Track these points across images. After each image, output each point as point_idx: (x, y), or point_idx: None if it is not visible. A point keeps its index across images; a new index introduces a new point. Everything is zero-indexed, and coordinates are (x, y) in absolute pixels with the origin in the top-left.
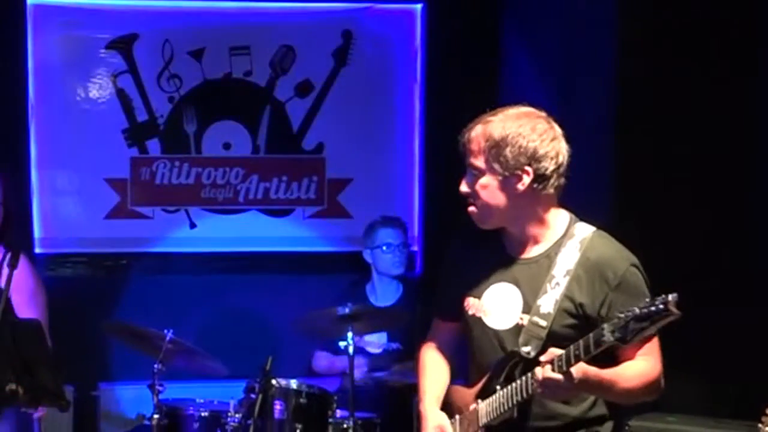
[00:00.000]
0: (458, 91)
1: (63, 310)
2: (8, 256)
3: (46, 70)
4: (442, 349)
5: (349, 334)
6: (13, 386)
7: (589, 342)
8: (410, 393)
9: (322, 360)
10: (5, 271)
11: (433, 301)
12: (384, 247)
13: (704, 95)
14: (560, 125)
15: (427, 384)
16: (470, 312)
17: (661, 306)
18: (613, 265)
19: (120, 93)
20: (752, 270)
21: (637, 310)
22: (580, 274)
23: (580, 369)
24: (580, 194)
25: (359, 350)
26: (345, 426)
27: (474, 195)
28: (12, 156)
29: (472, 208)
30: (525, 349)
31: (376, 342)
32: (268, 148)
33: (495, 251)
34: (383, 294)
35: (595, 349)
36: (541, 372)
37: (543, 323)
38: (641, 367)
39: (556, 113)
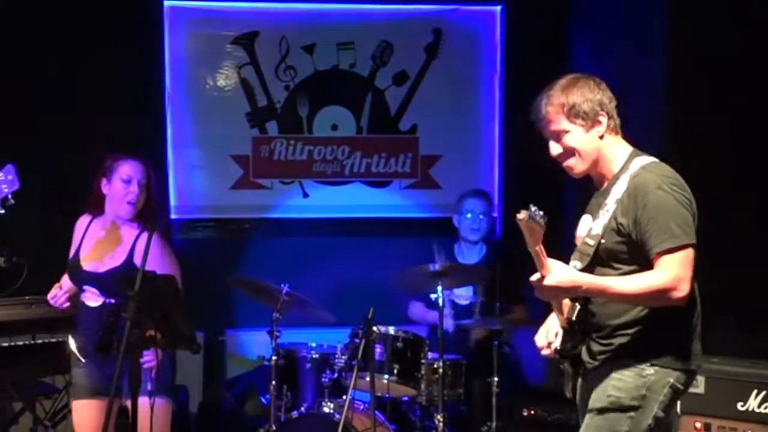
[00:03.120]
0: (532, 81)
1: (194, 268)
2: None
3: (180, 62)
4: None
5: (439, 288)
6: (152, 332)
7: None
8: (491, 338)
9: (416, 309)
10: (141, 244)
11: None
12: (468, 215)
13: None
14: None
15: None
16: None
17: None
18: (644, 189)
19: (243, 82)
20: None
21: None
22: (623, 199)
23: (563, 274)
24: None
25: (448, 302)
26: (435, 366)
27: (565, 151)
28: (152, 136)
29: (566, 163)
30: (572, 264)
31: (463, 295)
32: (370, 129)
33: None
34: (468, 254)
35: None
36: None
37: (592, 243)
38: (649, 274)
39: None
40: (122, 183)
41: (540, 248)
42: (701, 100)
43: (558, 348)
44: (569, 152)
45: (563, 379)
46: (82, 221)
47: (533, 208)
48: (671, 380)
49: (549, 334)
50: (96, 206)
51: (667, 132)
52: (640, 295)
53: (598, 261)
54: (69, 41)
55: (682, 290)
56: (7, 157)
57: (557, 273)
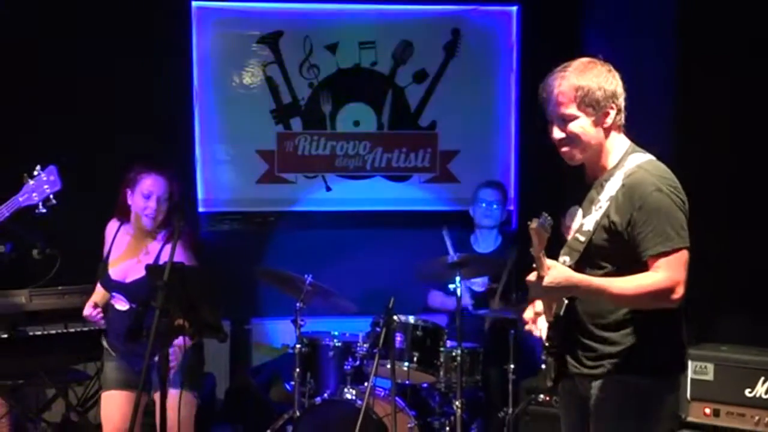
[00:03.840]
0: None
1: (221, 259)
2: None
3: (207, 61)
4: None
5: (457, 279)
6: (180, 321)
7: None
8: (508, 326)
9: (436, 298)
10: (164, 256)
11: None
12: (483, 204)
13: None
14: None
15: None
16: None
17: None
18: (640, 189)
19: (268, 80)
20: None
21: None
22: (618, 196)
23: (560, 274)
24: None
25: (466, 290)
26: (454, 354)
27: (567, 137)
28: (180, 132)
29: (564, 149)
30: (561, 259)
31: (480, 283)
32: (391, 125)
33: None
34: (485, 243)
35: None
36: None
37: (582, 239)
38: (644, 276)
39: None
40: (143, 197)
41: (542, 253)
42: (713, 99)
43: (543, 341)
44: (571, 138)
45: (547, 370)
46: (112, 226)
47: (544, 216)
48: (672, 387)
49: (535, 308)
50: (123, 213)
51: (680, 131)
52: (636, 297)
53: (587, 258)
54: (103, 42)
55: (678, 292)
56: (44, 152)
57: (555, 273)
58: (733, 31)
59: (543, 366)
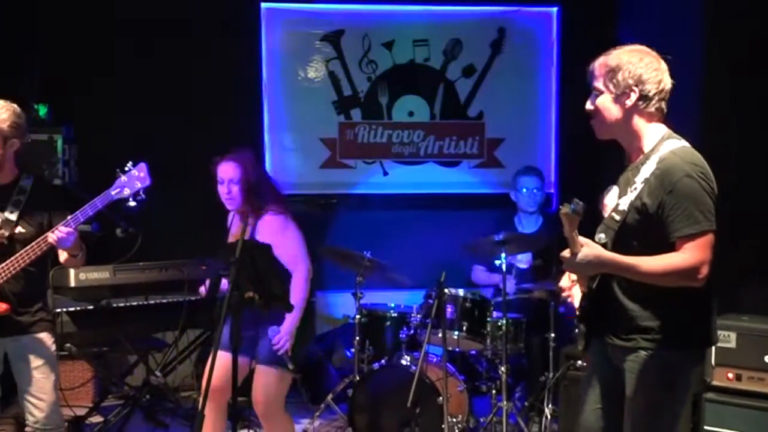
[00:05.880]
0: (584, 72)
1: None
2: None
3: (275, 57)
4: None
5: (503, 255)
6: (251, 294)
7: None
8: (549, 299)
9: (478, 272)
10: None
11: None
12: (524, 190)
13: None
14: None
15: None
16: None
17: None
18: (672, 174)
19: (331, 74)
20: None
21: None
22: (651, 180)
23: (591, 252)
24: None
25: (510, 266)
26: (499, 324)
27: (594, 110)
28: (251, 122)
29: (592, 121)
30: (597, 237)
31: (523, 260)
32: (442, 115)
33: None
34: (527, 224)
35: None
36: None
37: (618, 218)
38: (672, 256)
39: None
40: (219, 183)
41: (575, 233)
42: (742, 99)
43: (577, 309)
44: (596, 112)
45: (579, 336)
46: (230, 214)
47: (575, 202)
48: (699, 358)
49: (571, 277)
50: None
51: (707, 131)
52: (663, 275)
53: (620, 236)
54: (182, 41)
55: (703, 272)
56: (132, 142)
57: (587, 251)
58: (763, 32)
59: (576, 331)
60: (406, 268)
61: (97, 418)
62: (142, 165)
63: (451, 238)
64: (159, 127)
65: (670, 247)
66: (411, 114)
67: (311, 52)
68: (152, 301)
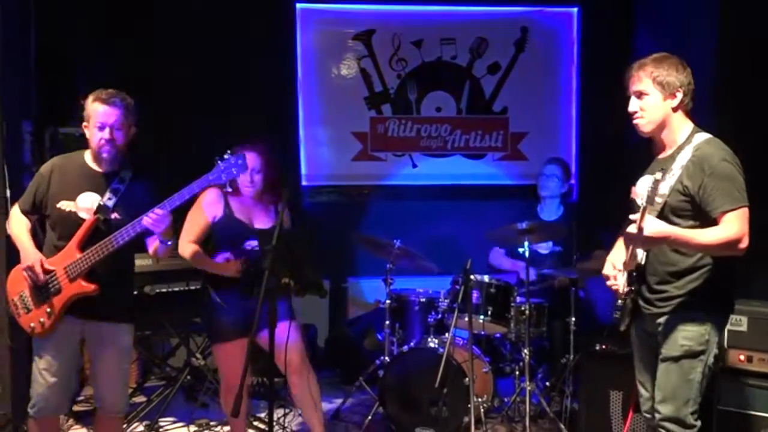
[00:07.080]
0: (603, 70)
1: (321, 226)
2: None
3: (309, 55)
4: None
5: (526, 243)
6: (286, 280)
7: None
8: (569, 284)
9: (496, 255)
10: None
11: None
12: (545, 175)
13: None
14: None
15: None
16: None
17: None
18: (709, 158)
19: (362, 71)
20: None
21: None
22: (689, 166)
23: (656, 225)
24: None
25: (533, 253)
26: (522, 309)
27: (640, 110)
28: (286, 117)
29: (637, 120)
30: (633, 217)
31: (545, 246)
32: (468, 110)
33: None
34: (549, 212)
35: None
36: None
37: (660, 201)
38: (718, 229)
39: None
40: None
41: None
42: (754, 101)
43: (621, 290)
44: (643, 112)
45: (623, 314)
46: (209, 193)
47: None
48: (722, 324)
49: (616, 265)
50: None
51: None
52: (714, 246)
53: (663, 216)
54: (220, 41)
55: (744, 242)
56: (172, 140)
57: (652, 226)
58: None
59: (618, 313)
60: (433, 255)
61: (140, 398)
62: (241, 154)
63: (476, 227)
64: (198, 123)
65: (709, 223)
66: (439, 109)
67: (344, 51)
68: (193, 287)
